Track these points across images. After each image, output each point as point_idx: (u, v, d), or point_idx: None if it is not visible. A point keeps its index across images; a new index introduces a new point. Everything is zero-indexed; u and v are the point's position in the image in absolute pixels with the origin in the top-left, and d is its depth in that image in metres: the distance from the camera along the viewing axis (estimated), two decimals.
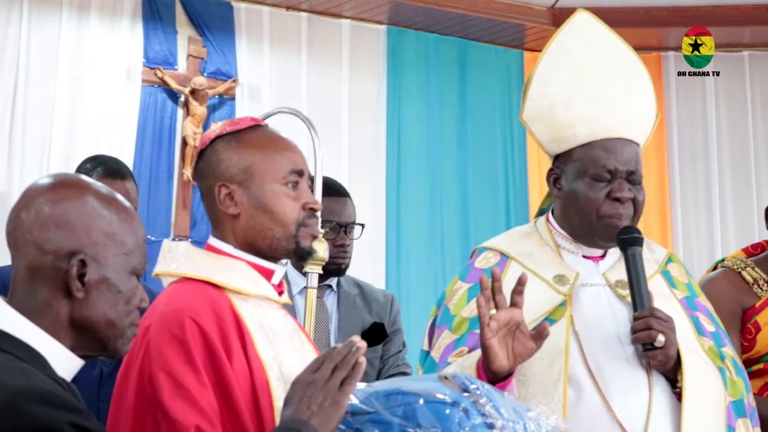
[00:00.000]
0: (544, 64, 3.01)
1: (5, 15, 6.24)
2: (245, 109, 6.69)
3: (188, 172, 6.45)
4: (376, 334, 3.89)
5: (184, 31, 6.80)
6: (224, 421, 2.14)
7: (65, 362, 1.93)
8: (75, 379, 1.98)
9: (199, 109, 6.61)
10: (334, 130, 7.01)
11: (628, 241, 2.83)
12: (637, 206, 2.89)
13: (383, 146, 7.29)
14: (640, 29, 6.96)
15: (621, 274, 2.87)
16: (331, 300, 3.98)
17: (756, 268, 3.51)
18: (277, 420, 2.15)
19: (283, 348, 2.30)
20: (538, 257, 2.96)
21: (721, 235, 7.58)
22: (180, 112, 6.70)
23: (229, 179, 2.36)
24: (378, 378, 3.85)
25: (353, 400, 2.06)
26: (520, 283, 2.57)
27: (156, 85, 6.62)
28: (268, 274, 2.39)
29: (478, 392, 2.05)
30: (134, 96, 6.50)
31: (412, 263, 7.19)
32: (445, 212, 7.37)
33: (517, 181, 7.64)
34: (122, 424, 2.22)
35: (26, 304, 1.93)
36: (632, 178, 2.87)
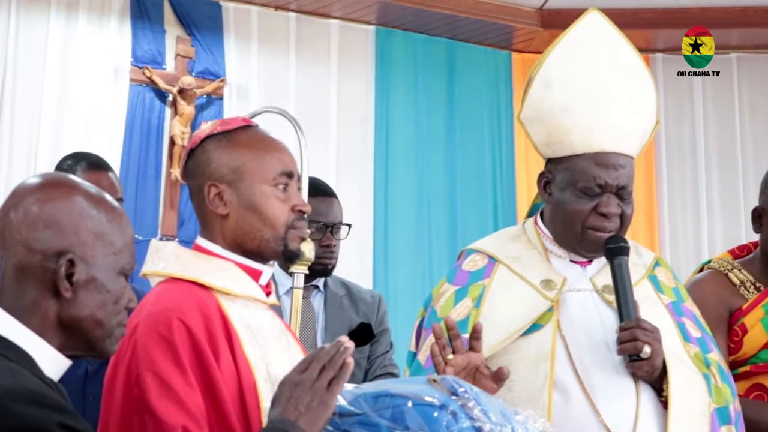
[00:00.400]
0: (547, 65, 2.97)
1: None
2: (233, 108, 6.68)
3: (176, 172, 6.44)
4: (363, 335, 3.89)
5: (173, 31, 6.78)
6: (211, 422, 2.14)
7: (53, 362, 1.93)
8: (60, 378, 1.97)
9: (187, 109, 6.59)
10: (322, 130, 7.00)
11: (615, 250, 2.82)
12: (624, 220, 2.88)
13: (371, 146, 7.28)
14: (628, 31, 6.85)
15: (608, 279, 2.86)
16: (317, 300, 3.97)
17: (743, 270, 3.51)
18: (265, 421, 2.15)
19: (270, 349, 2.30)
20: (525, 260, 2.95)
21: (708, 236, 7.60)
22: (168, 111, 6.68)
23: (218, 179, 2.36)
24: (365, 378, 3.85)
25: (341, 401, 2.06)
26: (476, 331, 2.57)
27: (144, 85, 6.60)
28: (255, 275, 2.39)
29: (467, 395, 2.05)
30: (122, 95, 6.48)
31: (400, 263, 7.19)
32: (432, 212, 7.37)
33: (504, 181, 7.64)
34: (111, 425, 2.22)
35: (14, 303, 1.93)
36: (622, 193, 2.86)
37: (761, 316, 3.40)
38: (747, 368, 3.40)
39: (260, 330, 2.32)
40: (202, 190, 2.37)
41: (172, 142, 6.58)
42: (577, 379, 2.73)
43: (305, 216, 2.42)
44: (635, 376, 2.74)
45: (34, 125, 6.19)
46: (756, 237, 3.54)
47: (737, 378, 3.34)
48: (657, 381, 2.75)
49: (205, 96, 6.74)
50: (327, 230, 3.90)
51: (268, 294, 2.42)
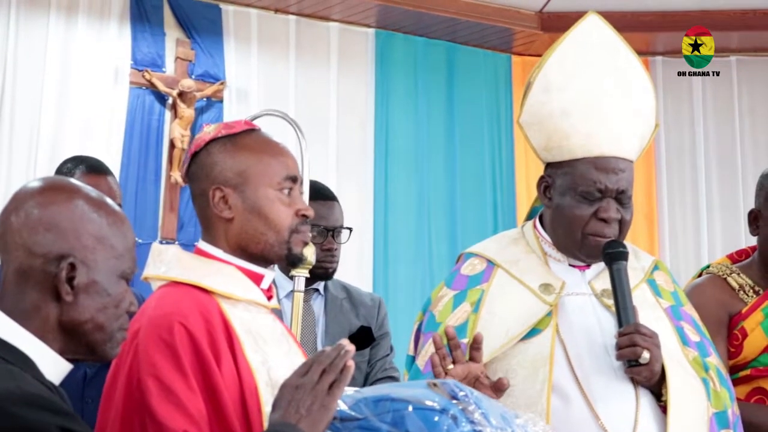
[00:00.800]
0: (546, 69, 2.97)
1: None
2: (233, 111, 6.69)
3: (176, 175, 6.43)
4: (363, 338, 3.88)
5: (172, 34, 6.78)
6: (212, 426, 2.15)
7: (53, 366, 1.94)
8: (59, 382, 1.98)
9: (186, 112, 6.59)
10: (322, 132, 7.00)
11: (614, 255, 2.82)
12: (623, 226, 2.88)
13: (371, 149, 7.28)
14: (628, 33, 6.88)
15: (606, 283, 2.87)
16: (318, 304, 3.97)
17: (741, 274, 3.51)
18: (266, 425, 2.15)
19: (271, 353, 2.30)
20: (524, 264, 2.95)
21: (708, 238, 7.60)
22: (168, 114, 6.68)
23: (223, 183, 2.36)
24: (366, 382, 3.85)
25: (342, 406, 2.06)
26: (476, 341, 2.58)
27: (144, 87, 6.59)
28: (257, 279, 2.39)
29: (467, 399, 2.05)
30: (122, 98, 6.48)
31: (400, 266, 7.19)
32: (432, 215, 7.37)
33: (504, 184, 7.64)
34: (109, 429, 2.22)
35: (15, 307, 1.93)
36: (621, 197, 2.86)
37: (761, 319, 3.40)
38: (747, 372, 3.40)
39: (261, 334, 2.32)
40: (206, 193, 2.37)
41: (172, 145, 6.58)
42: (576, 384, 2.73)
43: (308, 220, 2.42)
44: (634, 381, 2.74)
45: (34, 128, 6.19)
46: (755, 241, 3.55)
47: (738, 382, 3.35)
48: (656, 386, 2.75)
49: (204, 99, 6.74)
50: (328, 234, 3.89)
51: (269, 298, 2.42)
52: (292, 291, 3.43)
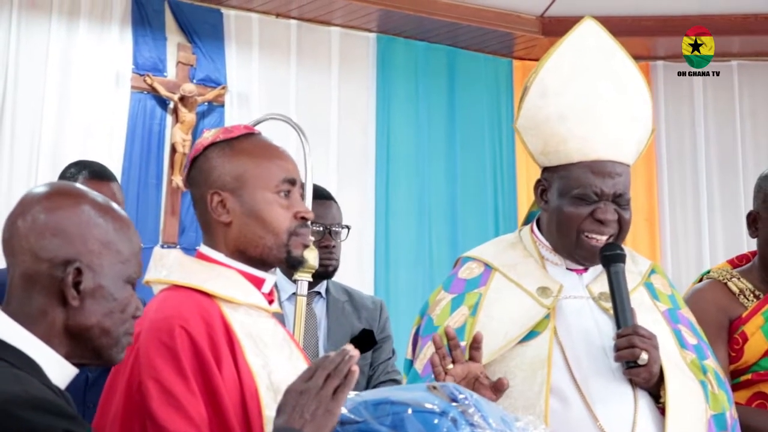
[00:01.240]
0: (543, 73, 2.98)
1: None
2: (234, 116, 6.70)
3: (177, 179, 6.44)
4: (365, 341, 3.88)
5: (174, 38, 6.79)
6: (213, 430, 2.15)
7: (59, 370, 1.94)
8: None
9: (188, 116, 6.60)
10: (323, 137, 7.01)
11: (611, 258, 2.83)
12: (623, 225, 2.88)
13: (372, 153, 7.29)
14: (628, 38, 6.93)
15: (604, 286, 2.86)
16: (320, 306, 3.97)
17: (742, 279, 3.51)
18: (266, 429, 2.16)
19: (272, 357, 2.31)
20: (522, 268, 2.96)
21: (709, 241, 7.61)
22: (169, 118, 6.69)
23: (221, 187, 2.37)
24: (368, 385, 3.85)
25: (342, 409, 2.06)
26: (476, 341, 2.58)
27: (145, 92, 6.61)
28: (258, 283, 2.39)
29: (467, 402, 2.05)
30: (123, 102, 6.49)
31: (401, 270, 7.19)
32: (433, 219, 7.37)
33: (505, 189, 7.65)
34: (108, 430, 2.22)
35: (21, 311, 1.94)
36: (619, 200, 2.87)
37: (761, 323, 3.40)
38: (748, 377, 3.40)
39: (262, 338, 2.32)
40: (204, 198, 2.38)
41: (173, 150, 6.59)
42: (575, 385, 2.73)
43: (308, 223, 2.42)
44: (633, 382, 2.74)
45: (35, 132, 6.20)
46: (755, 244, 3.55)
47: (739, 387, 3.35)
48: (654, 387, 2.75)
49: (206, 103, 6.75)
50: (325, 232, 3.91)
51: (270, 302, 2.43)
52: (294, 294, 3.44)
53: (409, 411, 2.03)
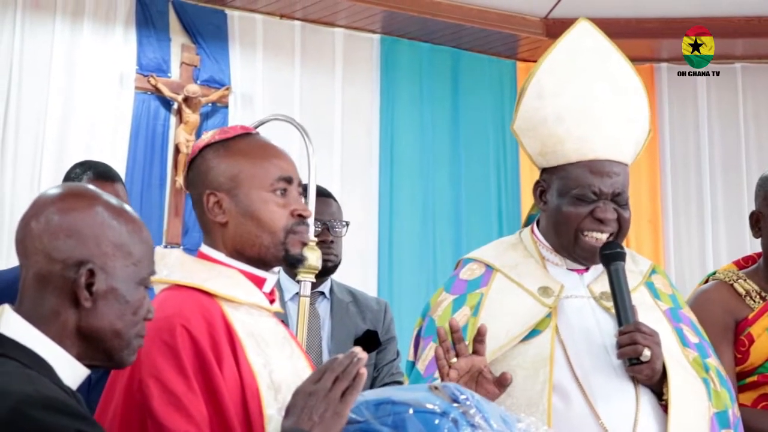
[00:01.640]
0: (539, 75, 2.99)
1: None
2: (238, 117, 6.70)
3: (180, 180, 6.45)
4: (369, 342, 3.88)
5: (178, 39, 6.79)
6: (213, 428, 2.15)
7: (71, 371, 1.95)
8: None
9: (192, 117, 6.61)
10: (327, 138, 7.01)
11: (611, 256, 2.84)
12: (622, 224, 2.90)
13: (376, 155, 7.29)
14: (632, 40, 6.96)
15: (605, 286, 2.88)
16: (323, 307, 3.97)
17: (748, 280, 3.52)
18: (267, 428, 2.17)
19: (273, 356, 2.31)
20: (523, 269, 2.97)
21: (712, 243, 7.60)
22: (173, 119, 6.69)
23: (216, 187, 2.37)
24: (372, 386, 3.85)
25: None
26: (480, 334, 2.58)
27: (149, 93, 6.61)
28: (259, 282, 2.39)
29: (468, 403, 2.05)
30: (127, 103, 6.49)
31: (404, 271, 7.19)
32: (437, 221, 7.37)
33: (509, 190, 7.64)
34: (108, 429, 2.22)
35: (34, 312, 1.94)
36: (618, 199, 2.88)
37: (767, 325, 3.40)
38: (754, 378, 3.40)
39: (263, 337, 2.32)
40: (201, 198, 2.39)
41: (177, 150, 6.59)
42: (577, 383, 2.74)
43: (307, 221, 2.42)
44: (635, 380, 2.75)
45: (40, 132, 6.20)
46: (760, 246, 3.55)
47: (744, 388, 3.35)
48: (657, 385, 2.76)
49: (210, 104, 6.75)
50: (323, 227, 3.91)
51: (272, 301, 2.43)
52: (298, 294, 3.44)
53: (411, 411, 2.04)
